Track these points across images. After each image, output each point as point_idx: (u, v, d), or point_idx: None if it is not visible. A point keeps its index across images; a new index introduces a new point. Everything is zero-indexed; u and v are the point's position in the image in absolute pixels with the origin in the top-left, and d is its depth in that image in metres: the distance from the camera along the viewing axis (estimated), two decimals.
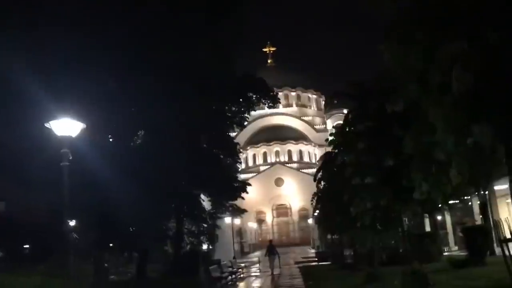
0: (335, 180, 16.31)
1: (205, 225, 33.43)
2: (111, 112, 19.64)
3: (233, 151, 30.81)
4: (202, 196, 31.66)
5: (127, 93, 19.49)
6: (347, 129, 12.00)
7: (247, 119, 29.89)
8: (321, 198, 26.74)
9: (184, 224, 32.10)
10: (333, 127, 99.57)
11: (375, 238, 14.22)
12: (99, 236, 22.40)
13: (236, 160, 32.29)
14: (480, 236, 17.33)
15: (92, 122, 16.07)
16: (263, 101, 26.61)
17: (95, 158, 18.32)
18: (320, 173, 21.62)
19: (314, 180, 22.42)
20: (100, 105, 18.63)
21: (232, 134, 34.22)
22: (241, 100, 25.72)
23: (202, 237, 33.78)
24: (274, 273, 30.50)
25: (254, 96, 25.88)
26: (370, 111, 9.71)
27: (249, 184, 34.49)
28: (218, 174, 28.10)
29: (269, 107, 28.98)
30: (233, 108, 26.55)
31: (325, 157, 21.37)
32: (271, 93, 26.89)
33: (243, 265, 37.48)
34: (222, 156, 30.19)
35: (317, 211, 35.46)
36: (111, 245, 26.85)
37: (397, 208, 10.14)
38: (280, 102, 28.14)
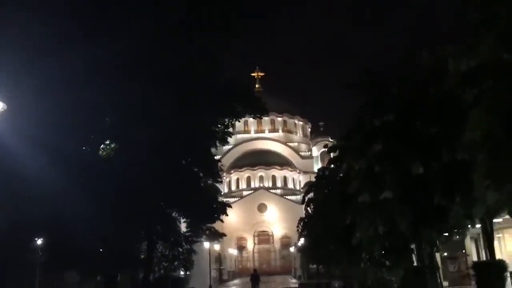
0: (330, 199, 13.81)
1: (180, 249, 30.76)
2: (71, 109, 16.90)
3: (213, 169, 28.21)
4: (177, 217, 28.95)
5: (93, 91, 16.83)
6: (351, 135, 9.63)
7: (230, 135, 27.42)
8: (308, 224, 24.15)
9: (157, 247, 29.35)
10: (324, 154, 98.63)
11: (380, 273, 11.65)
12: (48, 257, 19.46)
13: (217, 179, 29.65)
14: (495, 274, 14.97)
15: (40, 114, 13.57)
16: (249, 110, 24.11)
17: (43, 162, 15.55)
18: (310, 195, 19.12)
19: (302, 203, 19.97)
20: (53, 93, 15.94)
21: (217, 157, 31.59)
22: (224, 109, 23.16)
23: (176, 262, 31.09)
24: None
25: (238, 105, 23.37)
26: (391, 101, 7.40)
27: (229, 206, 31.82)
28: (196, 193, 25.48)
29: (255, 118, 26.30)
30: (216, 119, 23.94)
31: (319, 173, 18.91)
32: (258, 102, 24.45)
33: None
34: (201, 175, 27.64)
35: (302, 238, 32.81)
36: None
37: (424, 234, 7.70)
38: (267, 112, 25.68)
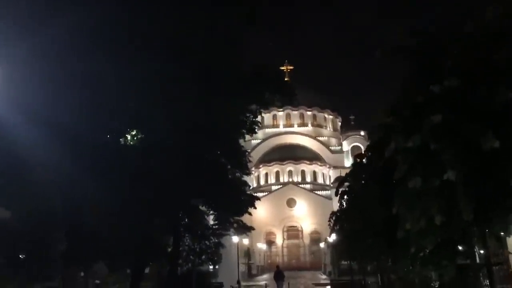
0: (369, 189, 12.46)
1: (208, 243, 29.95)
2: (90, 90, 15.94)
3: (241, 160, 27.17)
4: (205, 210, 28.11)
5: (112, 66, 15.79)
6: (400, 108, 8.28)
7: (258, 124, 26.24)
8: (341, 218, 22.76)
9: (184, 240, 28.59)
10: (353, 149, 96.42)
11: (427, 270, 10.31)
12: (66, 249, 18.75)
13: (245, 171, 28.60)
14: None
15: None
16: (278, 96, 22.82)
17: (60, 149, 14.71)
18: (344, 187, 17.73)
19: (336, 195, 18.49)
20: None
21: (246, 150, 30.51)
22: (251, 96, 21.94)
23: (204, 256, 30.31)
24: None
25: (266, 90, 22.10)
26: (454, 63, 6.13)
27: (258, 198, 30.77)
28: (223, 184, 24.52)
29: (283, 104, 24.86)
30: (243, 107, 22.72)
31: (356, 159, 17.56)
32: (287, 87, 23.13)
33: None
34: (229, 166, 26.65)
35: (334, 234, 31.43)
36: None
37: (495, 223, 6.39)
38: (296, 98, 24.32)
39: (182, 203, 23.55)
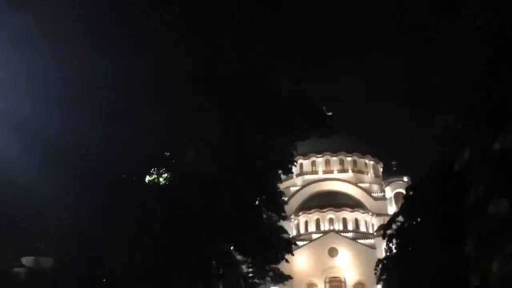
0: (428, 224, 10.32)
1: None
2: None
3: (277, 203, 25.27)
4: (239, 259, 26.13)
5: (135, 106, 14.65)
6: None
7: (295, 164, 24.46)
8: (388, 266, 20.34)
9: None
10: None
11: None
12: None
13: (281, 214, 26.61)
14: None
15: None
16: (315, 128, 20.94)
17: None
18: (394, 226, 15.55)
19: (384, 238, 16.34)
20: None
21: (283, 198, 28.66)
22: (285, 128, 20.17)
23: None
24: None
25: (302, 121, 20.34)
26: None
27: (295, 243, 28.58)
28: (259, 228, 22.63)
29: (322, 136, 22.73)
30: (276, 142, 20.88)
31: (408, 191, 15.43)
32: (324, 120, 21.35)
33: None
34: (264, 209, 24.81)
35: (380, 284, 28.61)
36: None
37: None
38: (335, 131, 22.49)
39: (214, 248, 21.72)
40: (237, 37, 16.14)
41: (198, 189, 18.73)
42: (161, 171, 19.69)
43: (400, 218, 16.04)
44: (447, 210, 8.43)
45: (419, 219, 12.02)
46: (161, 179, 20.06)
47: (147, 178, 19.64)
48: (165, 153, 19.25)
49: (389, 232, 16.94)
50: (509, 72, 5.29)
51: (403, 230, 15.06)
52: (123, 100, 14.34)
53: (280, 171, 24.63)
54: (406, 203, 13.52)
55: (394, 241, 17.19)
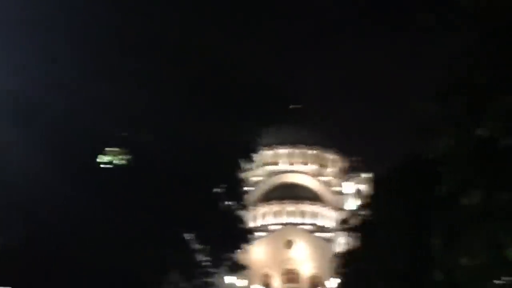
0: (394, 217, 9.78)
1: (197, 282, 26.91)
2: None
3: (237, 191, 24.36)
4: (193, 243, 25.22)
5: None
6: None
7: (255, 150, 23.56)
8: (347, 259, 19.90)
9: (168, 277, 25.57)
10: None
11: None
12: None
13: (241, 203, 25.72)
14: None
15: None
16: (279, 116, 20.13)
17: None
18: (355, 220, 15.06)
19: (344, 231, 15.86)
20: None
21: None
22: (247, 112, 19.29)
23: None
24: None
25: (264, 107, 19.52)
26: None
27: (252, 233, 27.96)
28: (215, 216, 21.75)
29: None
30: (236, 126, 19.94)
31: (377, 183, 14.94)
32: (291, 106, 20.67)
33: None
34: (223, 196, 23.88)
35: (337, 278, 28.39)
36: None
37: None
38: (303, 124, 21.89)
39: (168, 235, 20.78)
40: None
41: (153, 172, 17.80)
42: (115, 151, 18.61)
43: (364, 212, 15.66)
44: (415, 203, 7.88)
45: (386, 212, 11.48)
46: (115, 160, 18.96)
47: (100, 159, 18.50)
48: (122, 134, 18.12)
49: (350, 225, 16.49)
50: (492, 55, 4.69)
51: (367, 223, 14.61)
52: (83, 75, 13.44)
53: (241, 159, 23.70)
54: (373, 196, 13.06)
55: (355, 234, 16.77)
